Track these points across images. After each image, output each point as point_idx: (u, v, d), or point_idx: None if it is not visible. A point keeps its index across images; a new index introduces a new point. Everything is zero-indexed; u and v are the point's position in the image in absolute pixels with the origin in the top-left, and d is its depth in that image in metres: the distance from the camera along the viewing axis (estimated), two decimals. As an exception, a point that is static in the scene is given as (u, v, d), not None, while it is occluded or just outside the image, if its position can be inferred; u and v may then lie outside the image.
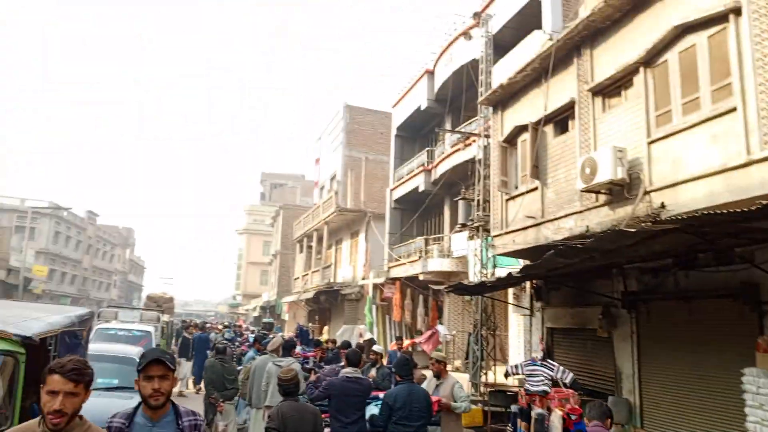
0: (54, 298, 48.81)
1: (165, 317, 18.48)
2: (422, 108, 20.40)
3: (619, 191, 8.18)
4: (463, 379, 8.74)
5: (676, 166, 7.37)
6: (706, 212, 5.23)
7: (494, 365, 13.62)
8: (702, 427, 7.93)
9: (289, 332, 27.22)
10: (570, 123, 10.10)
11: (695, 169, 7.02)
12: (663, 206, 7.40)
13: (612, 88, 8.98)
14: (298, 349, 12.74)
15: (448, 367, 7.89)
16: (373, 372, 8.46)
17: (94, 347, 9.06)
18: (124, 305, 37.95)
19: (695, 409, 8.10)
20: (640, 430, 8.68)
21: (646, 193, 7.73)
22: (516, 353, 14.58)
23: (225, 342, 11.22)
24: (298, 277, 34.11)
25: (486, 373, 13.29)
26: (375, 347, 11.14)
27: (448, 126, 19.34)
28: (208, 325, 24.29)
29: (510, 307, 14.71)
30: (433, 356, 7.14)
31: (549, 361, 7.48)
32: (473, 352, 13.30)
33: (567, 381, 6.92)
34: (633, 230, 5.78)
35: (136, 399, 6.43)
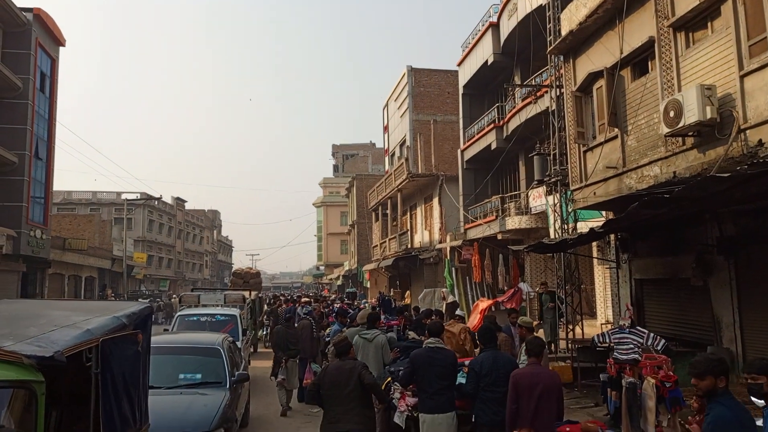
0: (155, 282, 52.75)
1: (253, 294, 17.62)
2: (489, 63, 19.77)
3: (708, 132, 7.64)
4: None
5: (773, 99, 6.77)
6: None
7: (581, 320, 13.37)
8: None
9: (372, 299, 27.92)
10: (650, 64, 9.48)
11: (796, 100, 6.43)
12: (761, 144, 6.85)
13: (696, 20, 8.30)
14: (381, 318, 13.08)
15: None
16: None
17: (170, 338, 8.76)
18: (206, 288, 39.61)
19: (807, 356, 7.62)
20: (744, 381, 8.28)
21: (741, 131, 7.17)
22: (602, 307, 14.22)
23: (301, 315, 13.01)
24: (376, 245, 34.74)
25: (573, 329, 13.08)
26: (457, 312, 11.22)
27: (516, 79, 18.68)
28: (303, 299, 24.64)
29: (594, 260, 14.30)
30: (520, 322, 7.15)
31: (638, 328, 7.23)
32: (549, 312, 13.01)
33: (659, 347, 6.67)
34: (727, 175, 5.41)
35: (224, 396, 6.43)
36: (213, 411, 6.06)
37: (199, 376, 7.00)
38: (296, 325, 11.02)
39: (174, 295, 35.32)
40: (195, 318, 12.17)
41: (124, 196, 43.22)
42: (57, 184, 36.98)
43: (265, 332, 17.46)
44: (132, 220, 49.24)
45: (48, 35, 25.66)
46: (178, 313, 12.82)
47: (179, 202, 61.71)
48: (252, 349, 15.78)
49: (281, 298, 25.13)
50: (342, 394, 5.45)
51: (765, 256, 8.27)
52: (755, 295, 8.53)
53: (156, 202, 50.71)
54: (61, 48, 27.18)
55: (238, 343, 10.61)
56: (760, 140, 6.87)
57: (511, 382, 5.11)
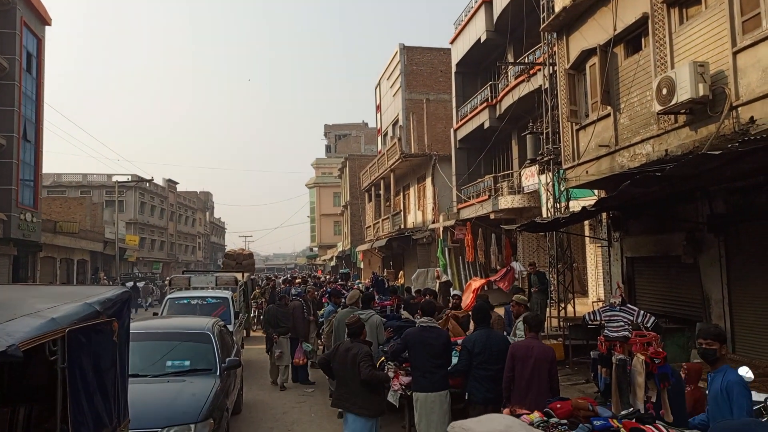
0: (147, 264, 52.61)
1: (245, 276, 17.04)
2: (482, 40, 19.57)
3: (701, 109, 7.62)
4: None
5: (766, 76, 6.74)
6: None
7: (573, 298, 13.48)
8: (803, 350, 7.58)
9: (365, 280, 28.02)
10: (643, 41, 9.41)
11: (789, 76, 6.40)
12: (752, 121, 6.84)
13: (689, -4, 8.23)
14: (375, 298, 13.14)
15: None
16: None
17: (157, 323, 8.47)
18: (198, 270, 38.97)
19: (794, 331, 7.73)
20: (732, 356, 8.40)
21: (733, 108, 7.15)
22: (594, 285, 14.33)
23: (290, 295, 13.45)
24: (369, 226, 34.75)
25: (565, 308, 13.20)
26: (453, 291, 11.28)
27: (510, 57, 18.53)
28: (297, 280, 24.62)
29: (587, 239, 14.37)
30: (515, 299, 7.22)
31: (629, 306, 7.30)
32: (538, 294, 12.98)
33: (648, 324, 6.75)
34: (718, 152, 5.40)
35: (213, 384, 6.13)
36: (202, 400, 5.80)
37: (187, 363, 6.70)
38: (288, 305, 11.32)
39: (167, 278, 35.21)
40: (185, 301, 11.89)
41: (115, 179, 42.80)
42: (46, 166, 36.56)
43: (254, 314, 17.34)
44: (123, 203, 48.91)
45: (33, 14, 25.13)
46: (168, 296, 12.51)
47: (171, 183, 61.28)
48: (245, 333, 15.58)
49: (275, 279, 25.06)
50: (347, 376, 5.58)
51: (754, 234, 8.33)
52: (744, 272, 8.61)
53: (147, 184, 50.30)
54: (47, 27, 26.66)
55: (230, 327, 10.44)
56: (752, 117, 6.86)
57: (509, 352, 5.33)
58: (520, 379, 5.14)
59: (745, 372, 4.27)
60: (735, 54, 7.20)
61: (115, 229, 37.07)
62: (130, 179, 43.80)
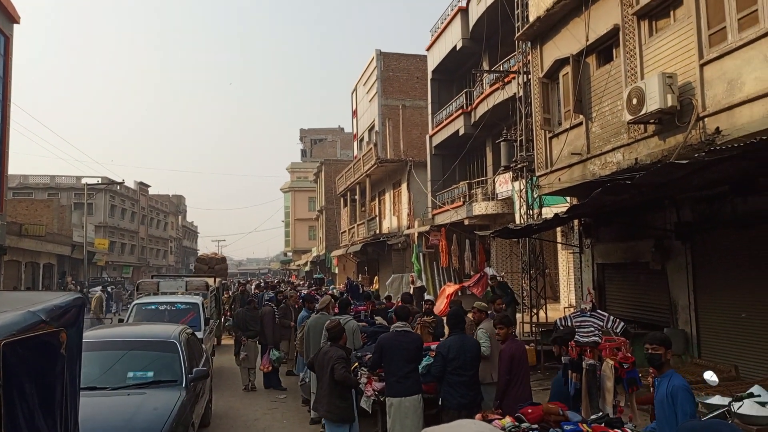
0: (117, 268, 51.51)
1: (217, 281, 16.48)
2: (458, 48, 19.76)
3: (669, 120, 7.81)
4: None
5: (731, 88, 6.95)
6: (766, 137, 4.95)
7: (545, 304, 13.64)
8: (763, 355, 7.80)
9: (340, 285, 27.90)
10: (614, 52, 9.61)
11: (753, 89, 6.61)
12: (718, 131, 7.04)
13: (659, 9, 8.44)
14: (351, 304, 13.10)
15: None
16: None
17: (119, 331, 7.93)
18: (167, 274, 37.91)
19: (756, 336, 7.95)
20: (698, 360, 8.60)
21: (699, 119, 7.35)
22: (566, 291, 14.54)
23: (264, 300, 13.76)
24: (344, 231, 34.64)
25: (537, 313, 13.33)
26: (426, 296, 11.32)
27: (485, 65, 18.74)
28: (262, 285, 24.52)
29: (559, 245, 14.57)
30: (475, 305, 7.29)
31: (599, 311, 7.43)
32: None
33: (618, 330, 6.87)
34: (685, 162, 5.54)
35: (178, 397, 5.72)
36: (165, 415, 5.37)
37: (150, 374, 6.24)
38: (256, 309, 11.56)
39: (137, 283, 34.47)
40: (153, 307, 11.37)
41: (84, 181, 41.78)
42: (12, 167, 35.57)
43: (224, 320, 16.79)
44: (93, 206, 47.78)
45: (0, 11, 24.45)
46: (135, 302, 11.90)
47: (142, 186, 60.18)
48: (215, 341, 15.10)
49: (245, 284, 24.58)
50: (323, 378, 5.75)
51: (719, 241, 8.56)
52: (709, 279, 8.83)
53: (118, 187, 49.28)
54: (15, 26, 25.95)
55: (200, 334, 10.13)
56: (717, 128, 7.06)
57: (507, 356, 5.46)
58: (516, 381, 5.28)
59: (709, 376, 4.36)
60: (702, 66, 7.40)
61: (84, 232, 36.19)
62: (100, 182, 42.83)
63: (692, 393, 3.64)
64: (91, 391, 5.32)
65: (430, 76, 23.35)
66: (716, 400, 3.98)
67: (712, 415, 3.76)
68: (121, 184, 46.02)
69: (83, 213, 38.23)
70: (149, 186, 62.31)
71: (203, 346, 9.01)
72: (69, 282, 34.30)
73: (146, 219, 61.64)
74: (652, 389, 5.54)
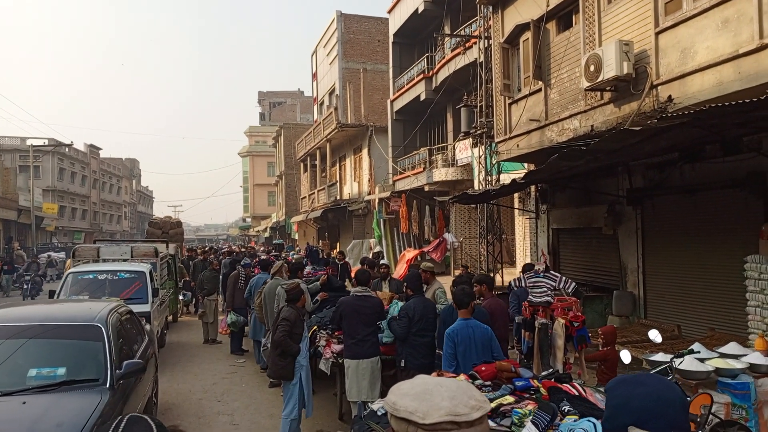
0: (68, 234, 49.75)
1: (171, 247, 14.74)
2: (419, 11, 19.47)
3: (624, 87, 7.95)
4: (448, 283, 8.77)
5: (684, 57, 7.10)
6: (714, 105, 5.09)
7: (501, 269, 13.97)
8: (703, 315, 8.24)
9: (301, 251, 27.79)
10: (574, 18, 9.65)
11: (704, 58, 6.77)
12: (670, 99, 7.21)
13: (617, -25, 8.47)
14: (308, 268, 13.10)
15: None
16: (385, 286, 8.69)
17: (20, 312, 5.64)
18: (108, 239, 34.43)
19: (698, 297, 8.38)
20: (644, 321, 9.02)
21: (653, 87, 7.50)
22: (522, 255, 14.91)
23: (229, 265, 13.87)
24: (304, 197, 34.34)
25: (494, 277, 13.65)
26: (382, 261, 11.46)
27: (447, 29, 18.55)
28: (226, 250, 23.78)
29: (516, 211, 14.86)
30: (422, 266, 7.43)
31: (552, 272, 7.66)
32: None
33: (570, 290, 7.12)
34: (638, 128, 5.67)
35: (97, 403, 3.98)
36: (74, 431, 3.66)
37: (62, 371, 4.44)
38: (216, 269, 12.86)
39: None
40: (92, 276, 9.67)
41: (29, 142, 39.84)
42: (-51, 127, 33.39)
43: (185, 298, 15.12)
44: (40, 168, 45.59)
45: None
46: (69, 271, 10.06)
47: (93, 149, 57.78)
48: (171, 317, 13.54)
49: (198, 250, 23.12)
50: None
51: (667, 206, 8.89)
52: (657, 243, 9.20)
53: (67, 149, 47.20)
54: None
55: (146, 308, 8.99)
56: (670, 96, 7.23)
57: (486, 312, 5.65)
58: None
59: (654, 335, 4.56)
60: (657, 34, 7.52)
61: (31, 196, 34.68)
62: (47, 143, 40.89)
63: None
64: None
65: (391, 39, 23.01)
66: (659, 357, 4.17)
67: (655, 370, 3.95)
68: (69, 146, 44.19)
69: (29, 176, 36.57)
70: (101, 149, 59.91)
71: (149, 326, 7.72)
72: (15, 248, 32.99)
73: (98, 183, 59.43)
74: (601, 348, 5.79)
